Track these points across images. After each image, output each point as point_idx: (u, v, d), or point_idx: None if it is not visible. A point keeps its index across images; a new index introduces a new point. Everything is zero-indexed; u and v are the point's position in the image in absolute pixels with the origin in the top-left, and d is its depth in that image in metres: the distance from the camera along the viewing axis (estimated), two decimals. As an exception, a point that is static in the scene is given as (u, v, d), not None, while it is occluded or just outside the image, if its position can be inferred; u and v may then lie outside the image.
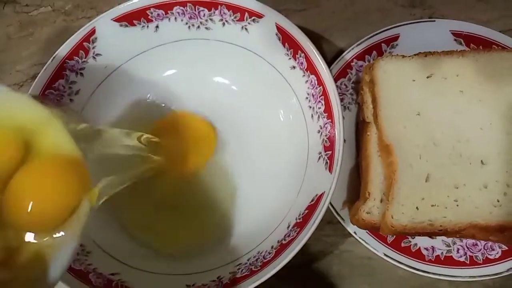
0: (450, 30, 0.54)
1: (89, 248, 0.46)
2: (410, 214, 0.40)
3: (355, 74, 0.53)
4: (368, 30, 0.56)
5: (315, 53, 0.45)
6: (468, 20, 0.56)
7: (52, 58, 0.50)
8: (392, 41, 0.54)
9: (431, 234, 0.41)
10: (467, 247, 0.46)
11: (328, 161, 0.43)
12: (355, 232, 0.46)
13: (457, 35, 0.54)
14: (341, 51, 0.57)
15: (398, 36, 0.54)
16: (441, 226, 0.40)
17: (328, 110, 0.44)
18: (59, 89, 0.51)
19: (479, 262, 0.45)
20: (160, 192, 0.50)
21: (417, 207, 0.41)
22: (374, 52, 0.54)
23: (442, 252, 0.46)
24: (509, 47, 0.52)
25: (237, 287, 0.40)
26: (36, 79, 0.50)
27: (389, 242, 0.46)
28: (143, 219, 0.49)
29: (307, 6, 0.63)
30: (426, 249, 0.46)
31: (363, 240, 0.46)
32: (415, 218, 0.40)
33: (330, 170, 0.42)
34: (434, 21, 0.54)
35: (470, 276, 0.44)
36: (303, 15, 0.62)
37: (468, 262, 0.45)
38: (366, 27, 0.58)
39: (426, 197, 0.41)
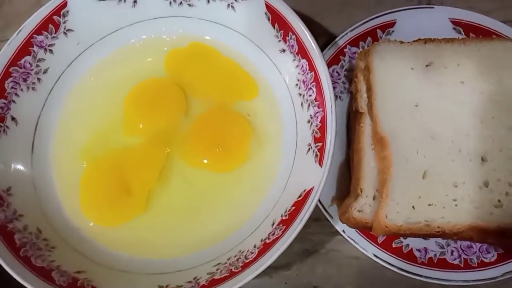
0: (449, 18, 0.51)
1: (54, 242, 0.42)
2: (406, 213, 0.37)
3: (348, 61, 0.50)
4: (363, 15, 0.52)
5: (308, 35, 0.42)
6: (467, 9, 0.53)
7: (17, 31, 0.46)
8: (388, 27, 0.51)
9: (428, 236, 0.38)
10: (462, 249, 0.43)
11: (319, 153, 0.39)
12: (343, 231, 0.43)
13: (456, 23, 0.51)
14: (333, 37, 0.53)
15: (395, 22, 0.51)
16: (438, 227, 0.37)
17: (320, 98, 0.41)
18: (25, 66, 0.46)
19: (474, 265, 0.42)
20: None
21: (413, 206, 0.38)
22: (369, 38, 0.50)
23: (435, 254, 0.43)
24: (507, 37, 0.49)
25: (215, 289, 0.36)
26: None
27: (379, 242, 0.43)
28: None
29: (299, -13, 0.58)
30: (419, 250, 0.43)
31: (351, 239, 0.43)
32: (410, 218, 0.37)
33: (320, 163, 0.38)
34: (433, 7, 0.51)
35: (464, 281, 0.42)
36: None
37: (462, 266, 0.42)
38: (360, 12, 0.55)
39: (422, 195, 0.38)
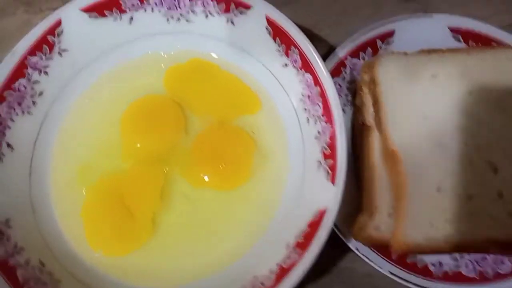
0: (448, 26, 0.51)
1: (59, 276, 0.40)
2: (424, 230, 0.36)
3: (350, 73, 0.49)
4: (360, 25, 0.52)
5: (311, 49, 0.41)
6: (464, 15, 0.53)
7: (11, 53, 0.44)
8: (387, 37, 0.50)
9: (448, 252, 0.38)
10: (476, 262, 0.42)
11: (331, 171, 0.38)
12: (357, 249, 0.42)
13: (455, 31, 0.50)
14: (332, 48, 0.53)
15: (394, 32, 0.50)
16: (457, 242, 0.36)
17: (327, 113, 0.40)
18: (19, 89, 0.45)
19: (489, 277, 0.41)
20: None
21: (431, 222, 0.37)
22: (369, 48, 0.50)
23: (450, 268, 0.42)
24: (509, 45, 0.49)
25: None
26: (-9, 78, 0.43)
27: (394, 259, 0.42)
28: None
29: (294, -2, 0.58)
30: (433, 264, 0.42)
31: (366, 257, 0.42)
32: (429, 234, 0.36)
33: (333, 181, 0.37)
34: (431, 16, 0.51)
35: (480, 294, 0.41)
36: (290, 8, 0.56)
37: (478, 278, 0.41)
38: (357, 22, 0.54)
39: (439, 210, 0.37)
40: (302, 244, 0.37)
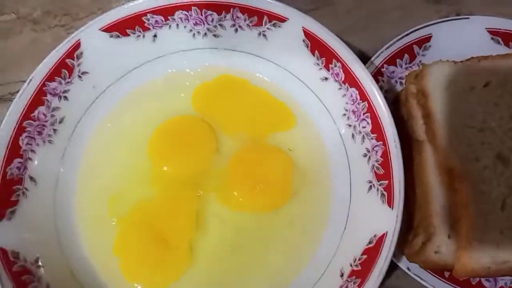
0: (486, 28, 0.48)
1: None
2: (491, 253, 0.34)
3: (387, 82, 0.47)
4: (390, 30, 0.49)
5: (357, 62, 0.38)
6: (498, 16, 0.50)
7: (28, 81, 0.41)
8: (424, 42, 0.48)
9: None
10: (532, 275, 0.40)
11: (386, 193, 0.36)
12: (408, 268, 0.40)
13: (494, 33, 0.48)
14: (363, 55, 0.50)
15: (431, 37, 0.48)
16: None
17: (377, 130, 0.38)
18: (39, 118, 0.42)
19: (550, 293, 0.40)
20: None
21: (497, 244, 0.34)
22: (406, 55, 0.47)
23: (505, 283, 0.40)
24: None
25: None
26: (10, 109, 0.40)
27: (447, 277, 0.40)
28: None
29: (318, 4, 0.55)
30: (488, 280, 0.40)
31: (417, 276, 0.40)
32: (497, 257, 0.34)
33: (390, 205, 0.35)
34: (468, 18, 0.49)
35: (539, 308, 0.39)
36: (314, 15, 0.54)
37: (537, 293, 0.40)
38: (387, 27, 0.52)
39: (505, 229, 0.35)
40: (359, 273, 0.34)
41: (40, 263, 0.38)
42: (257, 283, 0.40)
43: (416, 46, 0.48)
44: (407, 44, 0.48)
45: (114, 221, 0.42)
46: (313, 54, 0.42)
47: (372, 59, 0.47)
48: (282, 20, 0.41)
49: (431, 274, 0.40)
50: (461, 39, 0.48)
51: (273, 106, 0.46)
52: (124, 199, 0.43)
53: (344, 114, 0.41)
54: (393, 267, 0.42)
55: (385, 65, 0.47)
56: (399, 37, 0.48)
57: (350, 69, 0.39)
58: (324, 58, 0.41)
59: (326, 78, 0.42)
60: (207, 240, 0.42)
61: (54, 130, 0.43)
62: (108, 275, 0.41)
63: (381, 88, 0.46)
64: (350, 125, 0.41)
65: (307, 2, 0.55)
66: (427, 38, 0.48)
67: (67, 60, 0.42)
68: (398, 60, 0.47)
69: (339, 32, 0.53)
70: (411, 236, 0.39)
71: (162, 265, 0.41)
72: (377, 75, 0.47)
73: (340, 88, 0.41)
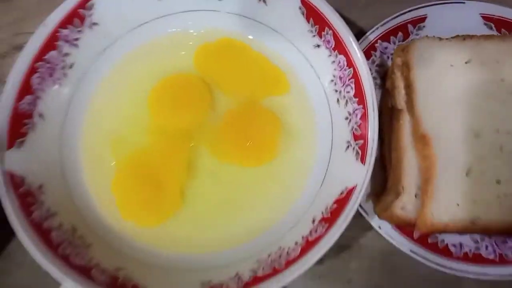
0: (480, 13, 0.51)
1: (90, 240, 0.41)
2: (451, 211, 0.37)
3: (379, 57, 0.49)
4: (389, 9, 0.52)
5: (346, 31, 0.41)
6: (497, 3, 0.52)
7: (42, 25, 0.44)
8: (419, 22, 0.50)
9: (473, 233, 0.38)
10: (496, 245, 0.43)
11: (360, 151, 0.39)
12: (379, 227, 0.43)
13: (487, 18, 0.50)
14: (360, 31, 0.53)
15: (426, 17, 0.50)
16: (484, 224, 0.37)
17: (359, 94, 0.40)
18: (50, 61, 0.45)
19: (509, 260, 0.42)
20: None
21: (458, 204, 0.38)
22: (400, 33, 0.50)
23: (470, 249, 0.43)
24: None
25: (259, 287, 0.36)
26: (24, 49, 0.44)
27: (415, 238, 0.43)
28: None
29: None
30: (454, 245, 0.43)
31: (388, 235, 0.43)
32: (456, 215, 0.37)
33: (363, 161, 0.38)
34: (464, 3, 0.51)
35: (500, 275, 0.42)
36: None
37: (497, 260, 0.42)
38: (387, 6, 0.54)
39: (467, 192, 0.38)
40: (328, 219, 0.38)
41: (43, 190, 0.42)
42: (240, 226, 0.44)
43: (411, 25, 0.50)
44: (402, 23, 0.50)
45: (113, 162, 0.46)
46: (308, 21, 0.44)
47: (367, 34, 0.50)
48: (282, -14, 0.44)
49: (400, 234, 0.43)
50: (455, 22, 0.50)
51: (270, 71, 0.49)
52: (124, 143, 0.47)
53: (332, 80, 0.44)
54: (368, 227, 0.45)
55: (379, 40, 0.50)
56: (395, 15, 0.50)
57: (341, 37, 0.42)
58: (317, 26, 0.44)
59: (318, 45, 0.45)
60: (196, 187, 0.45)
61: (64, 74, 0.46)
62: (106, 210, 0.44)
63: (373, 62, 0.49)
64: (336, 90, 0.44)
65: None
66: (422, 19, 0.50)
67: (79, 10, 0.45)
68: (392, 37, 0.50)
69: (341, 7, 0.56)
70: (383, 196, 0.42)
71: (155, 206, 0.45)
72: (370, 49, 0.50)
73: (330, 55, 0.44)
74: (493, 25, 0.50)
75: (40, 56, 0.44)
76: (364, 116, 0.39)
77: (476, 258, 0.43)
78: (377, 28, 0.50)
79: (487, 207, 0.38)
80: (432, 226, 0.37)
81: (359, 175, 0.38)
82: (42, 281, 0.38)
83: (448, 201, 0.38)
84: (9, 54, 0.56)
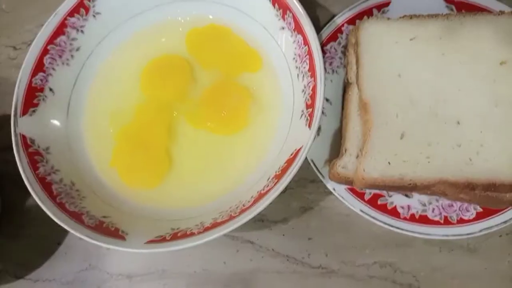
0: (442, -4, 0.54)
1: (85, 193, 0.49)
2: (382, 168, 0.42)
3: (345, 38, 0.54)
4: (363, -4, 0.56)
5: (302, 12, 0.47)
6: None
7: (53, 14, 0.53)
8: (383, 6, 0.55)
9: (401, 189, 0.43)
10: (443, 208, 0.47)
11: (309, 118, 0.44)
12: (334, 189, 0.48)
13: (449, 1, 0.54)
14: (334, 16, 0.58)
15: (390, 2, 0.54)
16: (410, 180, 0.41)
17: (311, 69, 0.46)
18: (60, 44, 0.54)
19: (453, 222, 0.46)
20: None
21: (389, 162, 0.42)
22: (365, 17, 0.54)
23: (417, 211, 0.47)
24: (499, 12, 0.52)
25: (216, 229, 0.42)
26: (38, 34, 0.52)
27: (366, 200, 0.48)
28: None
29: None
30: (402, 207, 0.47)
31: (341, 196, 0.48)
32: (386, 172, 0.42)
33: (310, 126, 0.44)
34: (427, -14, 0.55)
35: (443, 235, 0.46)
36: None
37: (442, 222, 0.46)
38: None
39: (398, 153, 0.43)
40: (278, 176, 0.43)
41: (49, 151, 0.50)
42: (212, 186, 0.50)
43: (375, 10, 0.55)
44: (368, 7, 0.55)
45: (111, 130, 0.54)
46: (274, 7, 0.50)
47: (335, 18, 0.55)
48: (250, -24, 0.50)
49: (353, 196, 0.48)
50: (417, 6, 0.53)
51: (246, 51, 0.55)
52: (120, 114, 0.54)
53: (294, 58, 0.50)
54: (328, 192, 0.50)
55: (345, 24, 0.55)
56: (362, 1, 0.55)
57: (298, 18, 0.47)
58: (281, 10, 0.50)
59: (283, 28, 0.50)
60: (179, 150, 0.53)
61: (72, 55, 0.55)
62: (101, 170, 0.52)
63: (339, 43, 0.54)
64: (297, 67, 0.49)
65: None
66: (387, 3, 0.55)
67: (84, 1, 0.54)
68: (357, 21, 0.54)
69: (317, -6, 0.61)
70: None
71: (148, 169, 0.52)
72: (337, 32, 0.55)
73: (292, 35, 0.49)
74: (454, 7, 0.53)
75: (52, 40, 0.53)
76: (314, 88, 0.45)
77: (422, 219, 0.47)
78: (344, 13, 0.55)
79: (416, 166, 0.42)
80: (364, 180, 0.42)
81: (305, 138, 0.43)
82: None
83: (380, 159, 0.42)
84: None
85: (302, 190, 0.52)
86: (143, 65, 0.56)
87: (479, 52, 0.45)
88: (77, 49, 0.55)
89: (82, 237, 0.43)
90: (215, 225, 0.43)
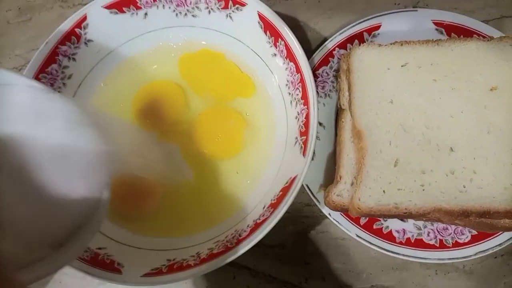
0: (432, 20, 0.55)
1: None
2: (377, 197, 0.42)
3: (337, 62, 0.55)
4: (353, 20, 0.57)
5: (294, 40, 0.47)
6: (452, 10, 0.57)
7: (44, 43, 0.53)
8: (373, 30, 0.55)
9: (396, 217, 0.43)
10: (438, 231, 0.47)
11: (303, 145, 0.45)
12: (329, 214, 0.48)
13: (438, 24, 0.55)
14: (325, 40, 0.58)
15: (380, 26, 0.55)
16: (405, 209, 0.42)
17: (304, 96, 0.46)
18: (51, 73, 0.53)
19: (449, 245, 0.47)
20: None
21: (384, 191, 0.43)
22: (356, 41, 0.55)
23: (412, 235, 0.48)
24: (488, 37, 0.53)
25: (213, 261, 0.42)
26: (30, 63, 0.52)
27: (361, 224, 0.48)
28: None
29: (295, -5, 0.64)
30: (397, 231, 0.48)
31: (336, 221, 0.48)
32: (381, 201, 0.42)
33: (304, 154, 0.44)
34: (416, 10, 0.56)
35: (439, 259, 0.46)
36: (290, 4, 0.64)
37: (437, 245, 0.47)
38: (351, 16, 0.60)
39: (393, 181, 0.43)
40: (274, 204, 0.43)
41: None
42: (207, 214, 0.50)
43: (366, 33, 0.55)
44: (358, 31, 0.55)
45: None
46: (266, 34, 0.50)
47: (326, 42, 0.56)
48: (242, 4, 0.50)
49: (348, 220, 0.48)
50: (408, 29, 0.54)
51: (239, 76, 0.55)
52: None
53: (286, 84, 0.50)
54: (323, 216, 0.51)
55: (337, 48, 0.55)
56: (352, 24, 0.56)
57: (290, 47, 0.48)
58: (273, 37, 0.50)
59: (275, 54, 0.51)
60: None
61: (64, 83, 0.54)
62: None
63: (331, 68, 0.55)
64: (290, 93, 0.49)
65: (284, -8, 0.64)
66: (377, 27, 0.55)
67: (75, 29, 0.53)
68: (348, 45, 0.55)
69: (309, 18, 0.62)
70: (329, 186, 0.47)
71: (142, 198, 0.52)
72: (328, 56, 0.55)
73: (284, 63, 0.50)
74: (443, 30, 0.54)
75: (43, 69, 0.53)
76: (307, 115, 0.45)
77: (418, 243, 0.47)
78: (335, 37, 0.55)
79: (411, 195, 0.42)
80: (360, 210, 0.42)
81: (300, 166, 0.43)
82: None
83: (375, 188, 0.43)
84: (24, 67, 0.65)
85: (297, 214, 0.53)
86: (135, 92, 0.56)
87: (470, 78, 0.46)
88: (69, 77, 0.55)
89: (79, 272, 0.43)
90: (211, 256, 0.43)
